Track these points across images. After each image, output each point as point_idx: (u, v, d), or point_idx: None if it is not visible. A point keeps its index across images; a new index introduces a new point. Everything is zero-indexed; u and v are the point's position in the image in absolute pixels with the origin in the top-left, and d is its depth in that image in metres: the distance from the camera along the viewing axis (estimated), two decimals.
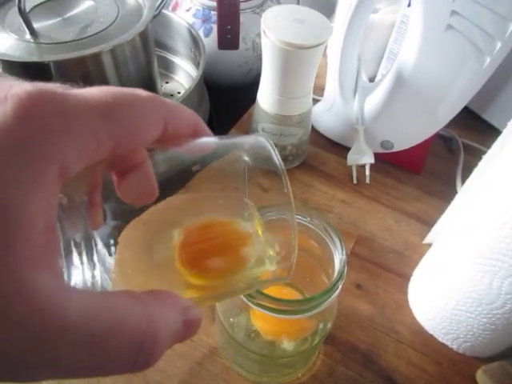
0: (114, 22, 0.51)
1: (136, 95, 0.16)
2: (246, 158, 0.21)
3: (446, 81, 0.47)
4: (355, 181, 0.55)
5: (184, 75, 0.73)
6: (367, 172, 0.55)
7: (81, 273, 0.16)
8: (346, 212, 0.52)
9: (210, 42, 0.68)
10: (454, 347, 0.41)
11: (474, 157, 0.51)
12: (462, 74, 0.45)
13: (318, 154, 0.59)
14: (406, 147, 0.55)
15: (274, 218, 0.25)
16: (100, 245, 0.17)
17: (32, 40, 0.47)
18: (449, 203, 0.44)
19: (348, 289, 0.45)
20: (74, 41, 0.48)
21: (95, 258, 0.16)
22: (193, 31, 0.65)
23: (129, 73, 0.53)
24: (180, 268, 0.18)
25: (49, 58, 0.46)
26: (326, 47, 0.46)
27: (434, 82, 0.47)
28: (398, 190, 0.55)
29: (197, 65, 0.66)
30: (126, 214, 0.18)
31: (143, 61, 0.55)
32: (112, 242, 0.17)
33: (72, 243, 0.16)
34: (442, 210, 0.45)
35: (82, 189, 0.17)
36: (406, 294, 0.45)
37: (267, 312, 0.29)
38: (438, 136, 0.56)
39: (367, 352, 0.41)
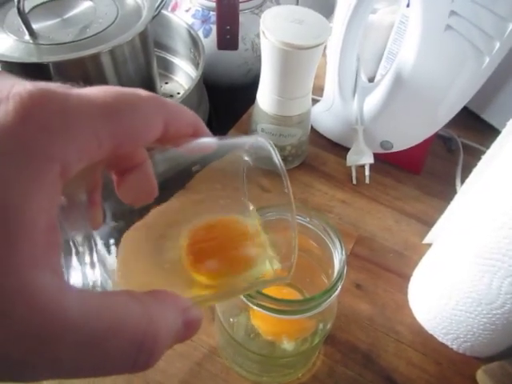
0: (113, 22, 0.51)
1: (137, 95, 0.16)
2: (247, 159, 0.21)
3: (445, 81, 0.47)
4: (355, 181, 0.55)
5: (183, 76, 0.73)
6: (367, 172, 0.55)
7: (80, 273, 0.16)
8: (345, 212, 0.52)
9: (209, 42, 0.68)
10: (454, 347, 0.41)
11: (473, 157, 0.51)
12: (461, 74, 0.45)
13: (318, 155, 0.59)
14: (406, 147, 0.55)
15: (273, 219, 0.25)
16: (100, 245, 0.17)
17: (31, 41, 0.47)
18: (448, 203, 0.44)
19: (348, 289, 0.45)
20: (73, 41, 0.48)
21: (95, 257, 0.16)
22: (192, 32, 0.65)
23: (128, 73, 0.53)
24: (187, 267, 0.18)
25: (48, 58, 0.46)
26: (325, 48, 0.47)
27: (433, 82, 0.47)
28: (397, 190, 0.55)
29: (196, 65, 0.66)
30: (125, 214, 0.18)
31: (142, 61, 0.55)
32: (112, 241, 0.17)
33: (71, 243, 0.16)
34: (441, 210, 0.45)
35: (82, 188, 0.17)
36: (405, 294, 0.45)
37: (267, 312, 0.29)
38: (437, 136, 0.56)
39: (367, 352, 0.41)
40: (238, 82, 0.74)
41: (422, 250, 0.47)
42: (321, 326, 0.34)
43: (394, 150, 0.55)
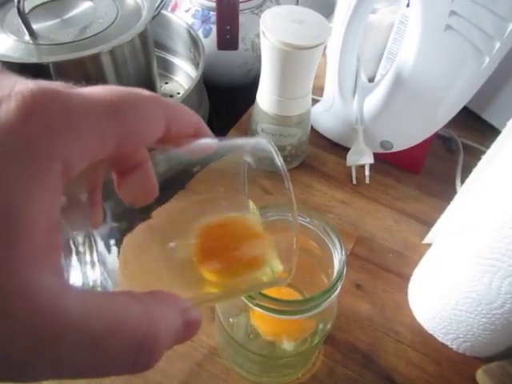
0: (113, 22, 0.51)
1: (140, 95, 0.16)
2: (248, 160, 0.21)
3: (445, 81, 0.47)
4: (355, 181, 0.55)
5: (183, 76, 0.73)
6: (367, 172, 0.55)
7: (80, 272, 0.16)
8: (345, 212, 0.52)
9: (209, 42, 0.68)
10: (454, 347, 0.41)
11: (473, 157, 0.51)
12: (461, 74, 0.45)
13: (318, 155, 0.59)
14: (406, 147, 0.55)
15: (273, 219, 0.25)
16: (100, 244, 0.17)
17: (31, 41, 0.47)
18: (448, 203, 0.44)
19: (348, 289, 0.45)
20: (73, 42, 0.48)
21: (95, 257, 0.16)
22: (192, 32, 0.65)
23: (128, 73, 0.53)
24: (198, 265, 0.18)
25: (48, 59, 0.46)
26: (325, 48, 0.47)
27: (433, 82, 0.47)
28: (397, 190, 0.55)
29: (196, 65, 0.66)
30: (125, 214, 0.18)
31: (142, 61, 0.55)
32: (112, 241, 0.17)
33: (72, 242, 0.16)
34: (441, 210, 0.45)
35: (83, 187, 0.17)
36: (405, 294, 0.45)
37: (267, 312, 0.29)
38: (437, 136, 0.56)
39: (367, 352, 0.41)
40: (238, 82, 0.74)
41: (421, 250, 0.47)
42: (321, 326, 0.34)
43: (394, 150, 0.55)
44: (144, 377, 0.38)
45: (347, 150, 0.56)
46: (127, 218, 0.18)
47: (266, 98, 0.50)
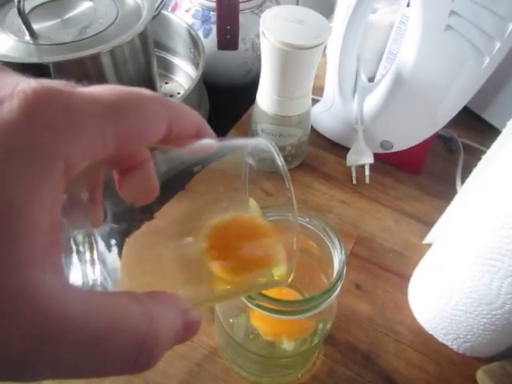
0: (113, 22, 0.51)
1: (142, 94, 0.16)
2: (249, 160, 0.21)
3: (445, 81, 0.47)
4: (355, 181, 0.55)
5: (183, 76, 0.73)
6: (367, 172, 0.55)
7: (81, 271, 0.16)
8: (345, 212, 0.52)
9: (209, 42, 0.68)
10: (454, 347, 0.41)
11: (473, 157, 0.51)
12: (461, 74, 0.45)
13: (318, 155, 0.59)
14: (406, 147, 0.55)
15: (273, 219, 0.25)
16: (100, 243, 0.17)
17: (31, 41, 0.47)
18: (448, 203, 0.44)
19: (347, 289, 0.45)
20: (74, 42, 0.48)
21: (95, 256, 0.16)
22: (192, 32, 0.65)
23: (128, 74, 0.53)
24: (209, 263, 0.18)
25: (48, 59, 0.46)
26: (325, 47, 0.47)
27: (433, 82, 0.47)
28: (397, 190, 0.55)
29: (196, 65, 0.66)
30: (126, 213, 0.18)
31: (142, 61, 0.55)
32: (113, 241, 0.17)
33: (72, 241, 0.16)
34: (441, 210, 0.45)
35: (84, 186, 0.17)
36: (405, 294, 0.45)
37: (267, 313, 0.29)
38: (437, 136, 0.56)
39: (367, 352, 0.41)
40: (238, 82, 0.74)
41: (421, 250, 0.47)
42: (320, 326, 0.34)
43: (394, 149, 0.55)
44: (144, 377, 0.38)
45: (347, 149, 0.56)
46: (128, 218, 0.18)
47: (265, 98, 0.50)
